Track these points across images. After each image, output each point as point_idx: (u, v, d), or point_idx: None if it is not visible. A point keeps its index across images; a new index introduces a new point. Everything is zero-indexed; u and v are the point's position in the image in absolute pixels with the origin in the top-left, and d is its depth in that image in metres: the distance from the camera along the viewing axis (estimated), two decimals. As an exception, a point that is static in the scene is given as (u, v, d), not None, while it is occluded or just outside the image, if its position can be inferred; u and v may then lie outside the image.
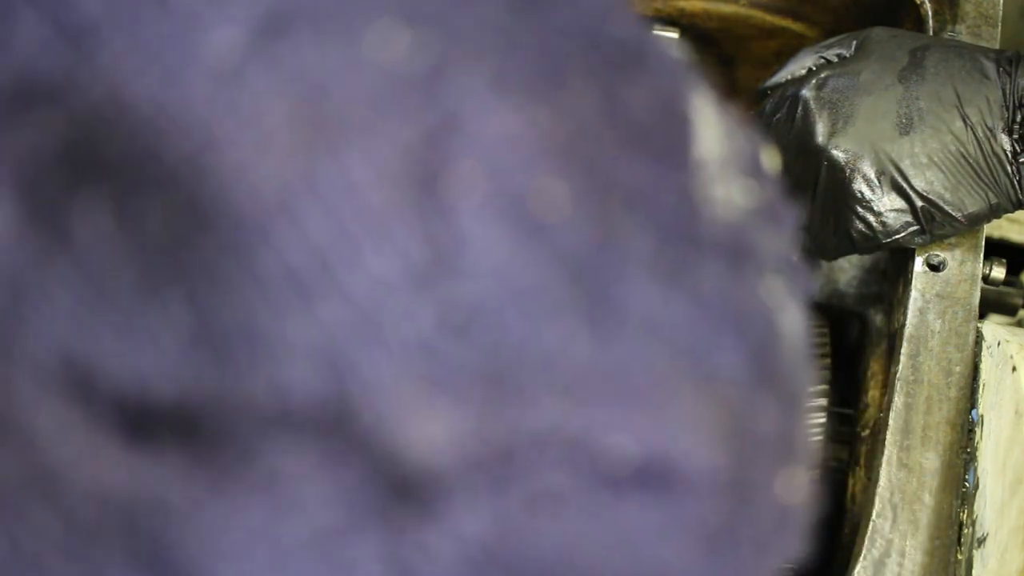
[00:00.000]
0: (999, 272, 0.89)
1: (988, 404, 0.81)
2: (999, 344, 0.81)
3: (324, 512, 0.24)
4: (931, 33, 0.95)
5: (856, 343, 1.04)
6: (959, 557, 0.79)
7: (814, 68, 0.85)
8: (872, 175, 0.80)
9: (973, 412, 0.82)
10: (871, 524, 0.79)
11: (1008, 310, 0.92)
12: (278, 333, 0.23)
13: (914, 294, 0.86)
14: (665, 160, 0.29)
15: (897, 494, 0.79)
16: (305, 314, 0.23)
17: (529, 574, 0.25)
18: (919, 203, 0.80)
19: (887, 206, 0.81)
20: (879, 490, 0.79)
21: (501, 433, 0.25)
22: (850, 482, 0.96)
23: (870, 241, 0.83)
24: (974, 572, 0.77)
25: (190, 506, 0.23)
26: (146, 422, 0.23)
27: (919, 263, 0.86)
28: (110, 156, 0.23)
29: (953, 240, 0.87)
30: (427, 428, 0.24)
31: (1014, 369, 0.78)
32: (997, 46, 0.94)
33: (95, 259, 0.23)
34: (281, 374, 0.24)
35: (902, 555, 0.78)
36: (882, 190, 0.80)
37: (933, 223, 0.82)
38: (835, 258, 0.91)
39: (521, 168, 0.25)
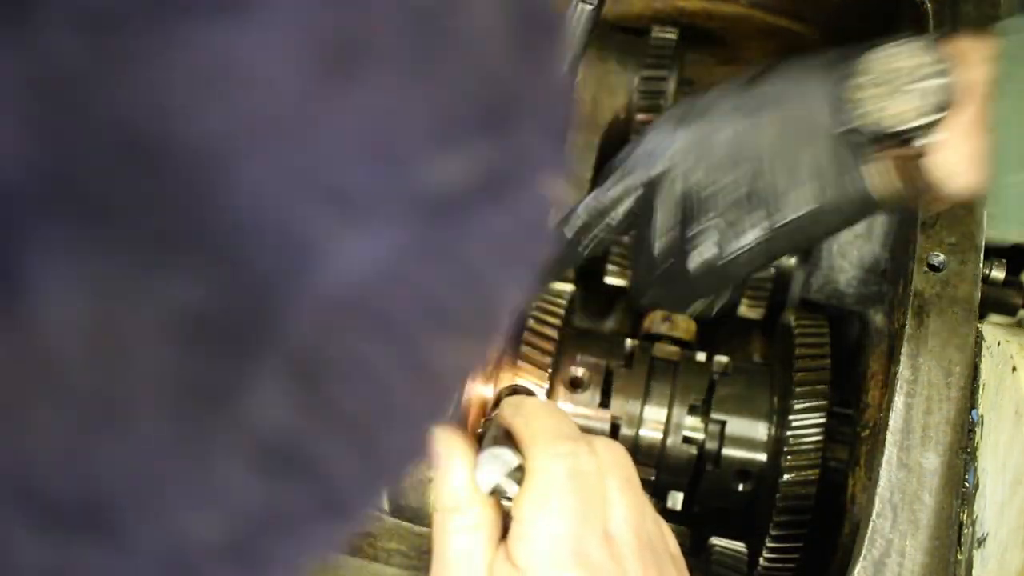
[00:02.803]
0: (999, 272, 0.89)
1: (988, 404, 0.81)
2: (999, 344, 0.81)
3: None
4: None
5: (856, 343, 1.04)
6: (959, 557, 0.79)
7: None
8: (708, 198, 0.79)
9: (973, 412, 0.82)
10: (871, 524, 0.79)
11: (1008, 310, 0.92)
12: None
13: (914, 294, 0.86)
14: None
15: (897, 494, 0.79)
16: None
17: None
18: (755, 219, 0.79)
19: (721, 227, 0.80)
20: (879, 490, 0.79)
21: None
22: (850, 482, 0.96)
23: (707, 265, 0.81)
24: (974, 572, 0.77)
25: None
26: None
27: (919, 263, 0.86)
28: None
29: (953, 240, 0.87)
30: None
31: (1014, 369, 0.78)
32: (997, 46, 0.94)
33: None
34: None
35: (902, 555, 0.78)
36: (717, 210, 0.80)
37: (767, 241, 0.79)
38: (674, 307, 0.92)
39: None
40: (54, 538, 0.25)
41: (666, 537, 0.62)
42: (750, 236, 0.79)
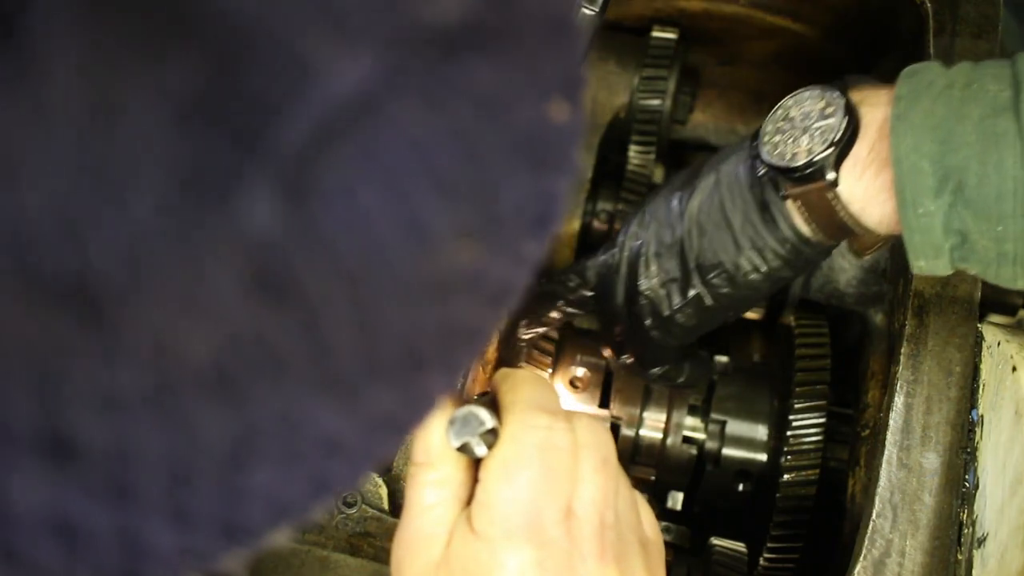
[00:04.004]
0: (999, 272, 0.89)
1: (988, 404, 0.81)
2: (999, 344, 0.81)
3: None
4: (931, 34, 0.95)
5: (856, 343, 1.04)
6: (959, 557, 0.79)
7: None
8: (652, 259, 0.87)
9: (973, 412, 0.82)
10: (871, 524, 0.79)
11: (1008, 310, 0.92)
12: None
13: (914, 294, 0.86)
14: None
15: (897, 494, 0.79)
16: None
17: None
18: (690, 269, 0.85)
19: (665, 283, 0.86)
20: (879, 490, 0.79)
21: None
22: (850, 482, 0.96)
23: (657, 317, 0.87)
24: (974, 572, 0.77)
25: None
26: None
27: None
28: None
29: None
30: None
31: (1014, 369, 0.78)
32: (998, 47, 0.94)
33: None
34: None
35: (902, 555, 0.78)
36: (658, 269, 0.86)
37: (707, 287, 0.85)
38: (652, 367, 0.94)
39: None
40: (43, 314, 0.25)
41: (642, 522, 0.61)
42: (688, 293, 0.85)
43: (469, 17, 0.29)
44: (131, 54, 0.24)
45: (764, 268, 0.81)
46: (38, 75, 0.23)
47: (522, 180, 0.32)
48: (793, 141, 0.77)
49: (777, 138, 0.79)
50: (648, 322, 0.87)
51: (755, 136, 0.81)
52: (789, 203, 0.79)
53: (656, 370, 0.92)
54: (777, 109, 0.80)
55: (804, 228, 0.79)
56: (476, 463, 0.58)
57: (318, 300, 0.28)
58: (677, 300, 0.85)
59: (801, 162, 0.76)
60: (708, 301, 0.84)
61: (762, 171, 0.80)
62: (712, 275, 0.83)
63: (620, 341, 0.92)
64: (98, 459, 0.27)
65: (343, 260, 0.28)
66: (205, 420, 0.28)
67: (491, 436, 0.57)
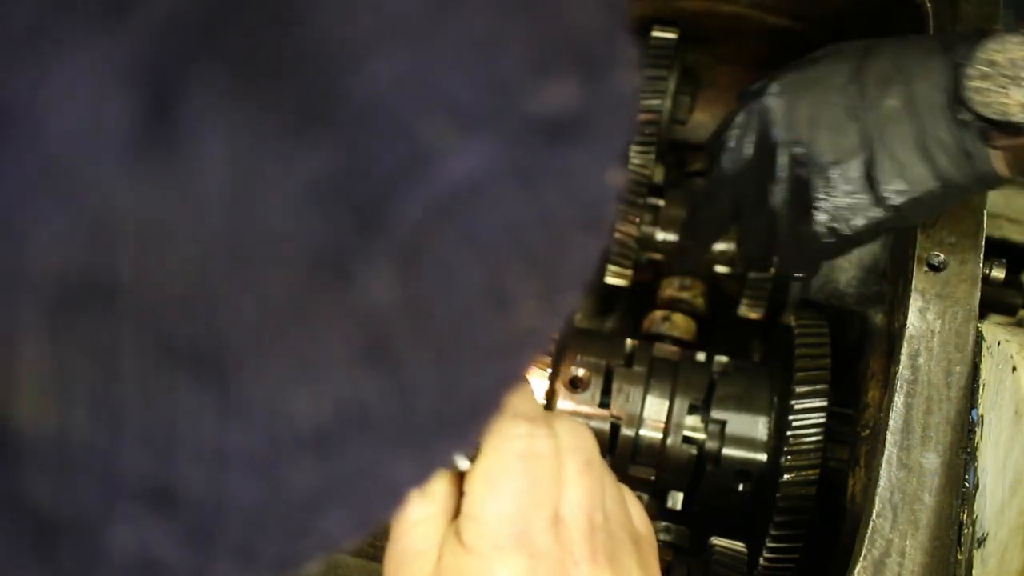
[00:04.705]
0: (999, 272, 0.89)
1: (988, 404, 0.81)
2: (999, 344, 0.81)
3: None
4: (931, 33, 0.95)
5: (856, 343, 1.04)
6: (959, 557, 0.79)
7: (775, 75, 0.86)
8: (829, 165, 0.81)
9: (973, 412, 0.82)
10: (871, 524, 0.79)
11: (1008, 310, 0.92)
12: None
13: (914, 294, 0.86)
14: None
15: (897, 494, 0.79)
16: None
17: None
18: (883, 193, 0.80)
19: (847, 192, 0.81)
20: (879, 490, 0.79)
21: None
22: (850, 482, 0.96)
23: (839, 236, 0.83)
24: (974, 572, 0.77)
25: None
26: None
27: (919, 263, 0.86)
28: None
29: (953, 240, 0.87)
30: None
31: (1014, 369, 0.78)
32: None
33: None
34: None
35: (902, 555, 0.78)
36: (841, 179, 0.81)
37: (889, 209, 0.81)
38: (808, 270, 0.92)
39: None
40: (169, 372, 0.26)
41: (632, 518, 0.61)
42: (870, 214, 0.81)
43: (572, 108, 0.31)
44: (275, 139, 0.25)
45: (954, 196, 0.81)
46: (190, 154, 0.25)
47: (586, 246, 0.35)
48: (1003, 90, 0.75)
49: (983, 84, 0.76)
50: (823, 237, 0.83)
51: (956, 65, 0.78)
52: (990, 148, 0.78)
53: (800, 273, 0.92)
54: (975, 48, 0.77)
55: (1004, 170, 0.78)
56: (460, 476, 0.58)
57: (411, 364, 0.30)
58: (860, 220, 0.82)
59: (1017, 118, 0.74)
60: (890, 223, 0.82)
61: (966, 116, 0.77)
62: (903, 200, 0.81)
63: (751, 242, 0.89)
64: (195, 507, 0.29)
65: (435, 327, 0.30)
66: (297, 475, 0.30)
67: (472, 449, 0.57)
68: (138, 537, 0.28)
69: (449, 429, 0.33)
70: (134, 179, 0.24)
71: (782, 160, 0.83)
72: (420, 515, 0.58)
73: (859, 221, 0.82)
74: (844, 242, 0.84)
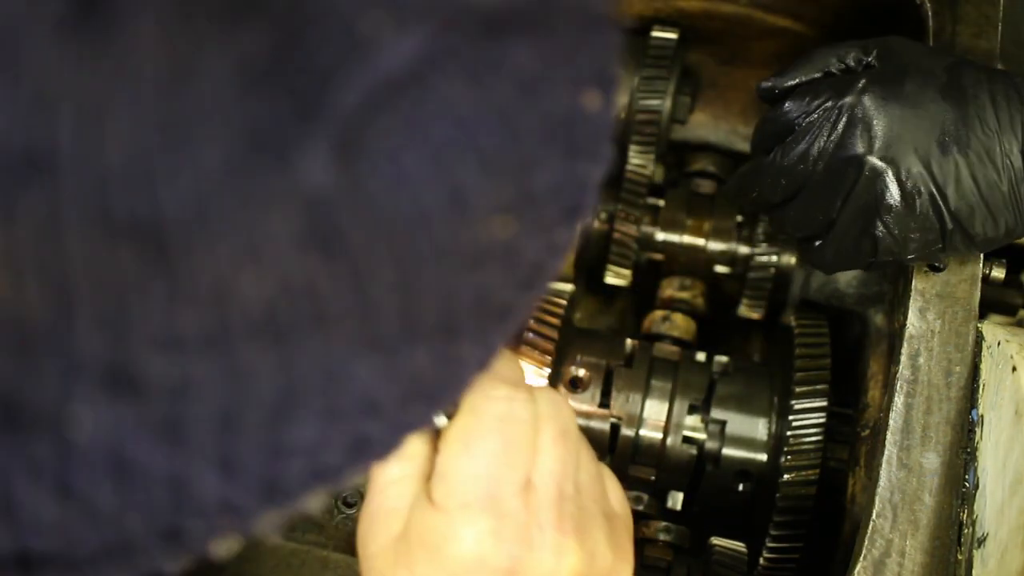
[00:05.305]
0: (999, 272, 0.89)
1: (988, 404, 0.81)
2: (999, 344, 0.81)
3: None
4: (931, 34, 0.95)
5: (856, 343, 1.04)
6: (959, 557, 0.79)
7: (846, 74, 0.84)
8: (909, 190, 0.78)
9: (973, 412, 0.82)
10: (871, 524, 0.79)
11: (1008, 310, 0.92)
12: None
13: (914, 294, 0.86)
14: None
15: (897, 494, 0.79)
16: None
17: None
18: (949, 225, 0.79)
19: (918, 223, 0.79)
20: (879, 490, 0.79)
21: None
22: (850, 482, 0.96)
23: (892, 255, 0.82)
24: (974, 572, 0.77)
25: None
26: None
27: (919, 263, 0.86)
28: None
29: (953, 240, 0.87)
30: None
31: (1014, 369, 0.78)
32: (998, 47, 0.94)
33: None
34: None
35: (902, 555, 0.78)
36: (916, 207, 0.79)
37: (952, 245, 0.80)
38: (833, 271, 0.90)
39: None
40: (113, 252, 0.27)
41: (608, 495, 0.61)
42: (936, 247, 0.81)
43: (512, 2, 0.31)
44: (207, 22, 0.26)
45: None
46: (123, 37, 0.25)
47: (557, 163, 0.34)
48: None
49: None
50: (881, 255, 0.82)
51: None
52: None
53: (830, 272, 0.91)
54: None
55: None
56: (437, 435, 0.57)
57: (363, 256, 0.30)
58: (924, 250, 0.81)
59: None
60: (949, 253, 0.83)
61: None
62: (981, 241, 0.81)
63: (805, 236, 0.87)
64: (157, 395, 0.29)
65: (387, 221, 0.30)
66: (255, 366, 0.30)
67: (451, 406, 0.56)
68: (107, 425, 0.28)
69: (420, 339, 0.33)
70: (70, 58, 0.25)
71: (864, 176, 0.80)
72: (395, 474, 0.58)
73: (922, 250, 0.81)
74: (895, 264, 0.83)
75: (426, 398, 0.35)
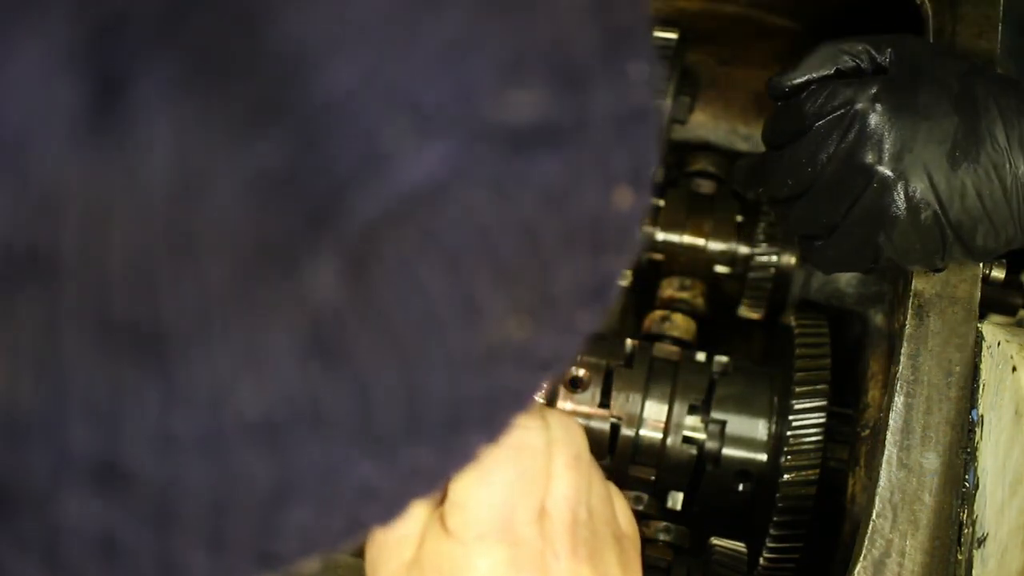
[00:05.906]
0: (999, 272, 0.89)
1: (988, 404, 0.81)
2: (999, 344, 0.81)
3: None
4: (931, 34, 0.95)
5: (856, 343, 1.04)
6: (959, 557, 0.79)
7: (859, 75, 0.84)
8: (915, 205, 0.78)
9: (973, 412, 0.82)
10: (871, 524, 0.79)
11: (1008, 310, 0.92)
12: None
13: (914, 294, 0.86)
14: None
15: (897, 494, 0.79)
16: None
17: None
18: (950, 237, 0.79)
19: (921, 237, 0.79)
20: (879, 490, 0.79)
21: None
22: (850, 482, 0.96)
23: (891, 263, 0.82)
24: (974, 572, 0.77)
25: None
26: None
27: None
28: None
29: (953, 240, 0.87)
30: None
31: (1014, 369, 0.78)
32: (997, 47, 0.94)
33: None
34: None
35: (902, 555, 0.78)
36: (921, 221, 0.78)
37: (951, 255, 0.80)
38: (832, 272, 0.91)
39: None
40: (111, 354, 0.27)
41: (617, 516, 0.61)
42: (936, 256, 0.81)
43: (542, 118, 0.30)
44: (224, 132, 0.26)
45: None
46: (135, 142, 0.25)
47: (580, 263, 0.34)
48: None
49: None
50: (884, 262, 0.82)
51: None
52: None
53: (829, 273, 0.93)
54: None
55: None
56: None
57: (368, 363, 0.30)
58: (924, 260, 0.82)
59: None
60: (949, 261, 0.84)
61: None
62: (983, 253, 0.81)
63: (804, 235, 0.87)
64: (147, 489, 0.29)
65: (395, 329, 0.30)
66: (250, 466, 0.30)
67: None
68: (91, 514, 0.28)
69: (422, 437, 0.33)
70: (80, 159, 0.25)
71: (872, 187, 0.79)
72: None
73: (923, 260, 0.81)
74: (897, 270, 0.83)
75: (427, 481, 0.36)
